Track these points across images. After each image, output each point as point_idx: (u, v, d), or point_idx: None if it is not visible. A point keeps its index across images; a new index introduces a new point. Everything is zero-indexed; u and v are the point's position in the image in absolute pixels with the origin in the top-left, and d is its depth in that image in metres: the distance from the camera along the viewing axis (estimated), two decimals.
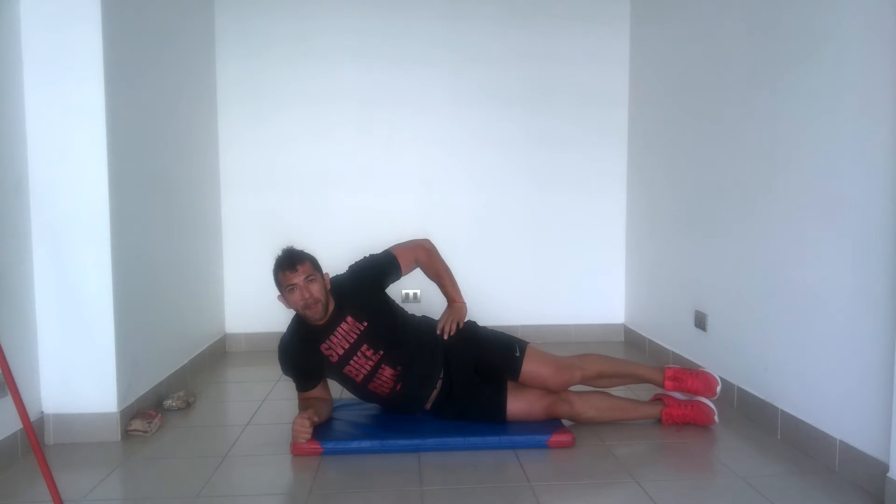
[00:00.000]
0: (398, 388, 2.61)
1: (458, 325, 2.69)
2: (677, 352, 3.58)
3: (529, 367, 2.66)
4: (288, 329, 2.67)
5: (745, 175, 2.91)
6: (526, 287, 4.32)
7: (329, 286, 2.56)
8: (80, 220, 2.61)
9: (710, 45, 3.23)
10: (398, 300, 2.89)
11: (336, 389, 2.84)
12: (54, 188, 2.59)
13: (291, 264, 2.47)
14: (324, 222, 4.16)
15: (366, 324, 2.57)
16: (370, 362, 2.57)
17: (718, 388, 2.76)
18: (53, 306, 2.61)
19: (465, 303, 2.76)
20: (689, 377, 2.76)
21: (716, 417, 2.71)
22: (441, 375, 2.68)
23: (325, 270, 2.59)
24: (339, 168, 4.19)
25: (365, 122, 4.18)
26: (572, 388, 2.73)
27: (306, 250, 2.58)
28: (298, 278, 2.45)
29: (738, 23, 2.97)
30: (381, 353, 2.57)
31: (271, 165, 4.16)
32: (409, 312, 2.81)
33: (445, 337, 2.66)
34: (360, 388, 2.65)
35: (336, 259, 2.79)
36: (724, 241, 3.10)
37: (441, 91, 4.20)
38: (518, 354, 2.67)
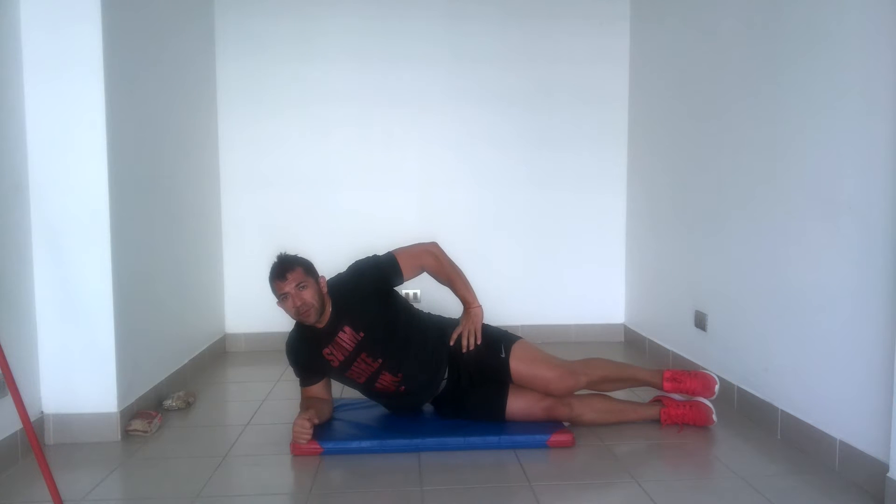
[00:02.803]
0: (402, 389, 2.62)
1: (476, 335, 2.64)
2: (677, 352, 3.58)
3: (527, 370, 2.63)
4: (293, 328, 2.67)
5: (745, 175, 2.91)
6: (526, 287, 4.32)
7: (325, 289, 2.53)
8: (80, 220, 2.60)
9: (710, 44, 3.23)
10: None
11: (336, 388, 2.83)
12: (54, 188, 2.58)
13: (282, 273, 2.44)
14: (324, 221, 4.16)
15: (363, 334, 2.54)
16: (371, 368, 2.57)
17: (717, 388, 2.76)
18: (53, 306, 2.61)
19: (480, 306, 2.68)
20: (687, 378, 2.77)
21: (714, 417, 2.71)
22: (445, 376, 2.68)
23: (321, 273, 2.56)
24: (339, 167, 4.19)
25: (365, 121, 4.18)
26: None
27: (301, 253, 2.55)
28: (289, 286, 2.43)
29: (737, 22, 2.97)
30: (380, 361, 2.56)
31: (271, 165, 4.16)
32: (418, 310, 2.77)
33: (464, 350, 2.63)
34: (365, 389, 2.67)
35: (336, 259, 2.78)
36: (724, 241, 3.10)
37: (441, 91, 4.20)
38: (504, 356, 2.64)
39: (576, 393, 2.72)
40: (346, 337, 2.54)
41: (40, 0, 2.53)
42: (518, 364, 2.64)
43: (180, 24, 3.55)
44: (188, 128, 3.65)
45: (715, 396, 2.77)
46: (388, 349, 2.56)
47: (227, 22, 4.08)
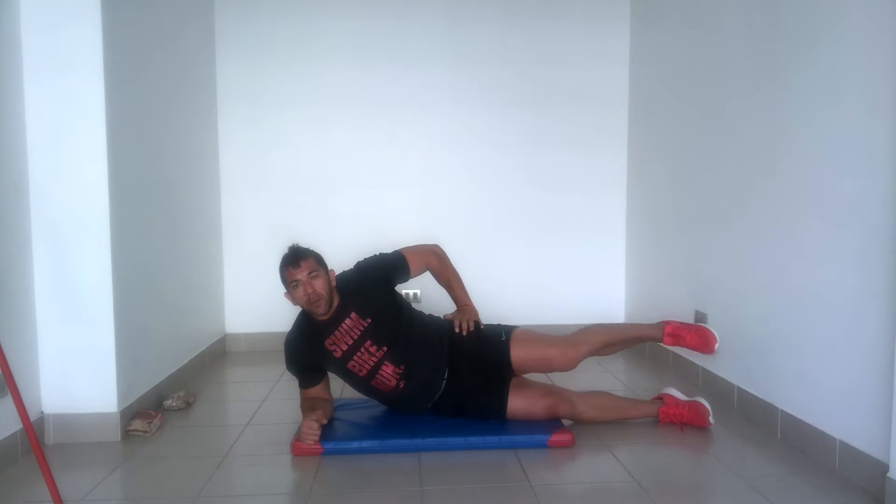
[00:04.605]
0: (401, 386, 2.61)
1: (472, 323, 2.73)
2: (677, 351, 3.58)
3: (528, 353, 2.66)
4: (294, 325, 2.70)
5: (745, 174, 2.91)
6: (526, 286, 4.32)
7: (334, 282, 2.59)
8: (80, 220, 2.60)
9: (711, 44, 3.23)
10: None
11: (336, 389, 2.84)
12: (54, 188, 2.58)
13: (295, 261, 2.52)
14: (324, 222, 4.15)
15: (370, 320, 2.58)
16: (373, 358, 2.58)
17: (717, 346, 2.77)
18: (53, 306, 2.61)
19: (475, 307, 2.82)
20: (687, 332, 2.78)
21: (711, 419, 2.71)
22: (446, 376, 2.68)
23: (330, 268, 2.61)
24: (339, 168, 4.19)
25: (365, 122, 4.18)
26: (574, 389, 2.74)
27: (311, 248, 2.62)
28: (302, 274, 2.49)
29: (738, 22, 2.97)
30: (385, 349, 2.58)
31: (271, 165, 4.16)
32: (418, 310, 2.82)
33: (465, 333, 2.69)
34: (363, 384, 2.66)
35: (337, 258, 2.78)
36: (724, 241, 3.10)
37: (441, 91, 4.20)
38: (504, 339, 2.69)
39: (577, 390, 2.73)
40: (352, 324, 2.57)
41: (40, 0, 2.53)
42: (518, 348, 2.67)
43: (181, 24, 3.55)
44: (188, 127, 3.65)
45: (714, 353, 2.79)
46: (393, 337, 2.59)
47: (227, 22, 4.08)
